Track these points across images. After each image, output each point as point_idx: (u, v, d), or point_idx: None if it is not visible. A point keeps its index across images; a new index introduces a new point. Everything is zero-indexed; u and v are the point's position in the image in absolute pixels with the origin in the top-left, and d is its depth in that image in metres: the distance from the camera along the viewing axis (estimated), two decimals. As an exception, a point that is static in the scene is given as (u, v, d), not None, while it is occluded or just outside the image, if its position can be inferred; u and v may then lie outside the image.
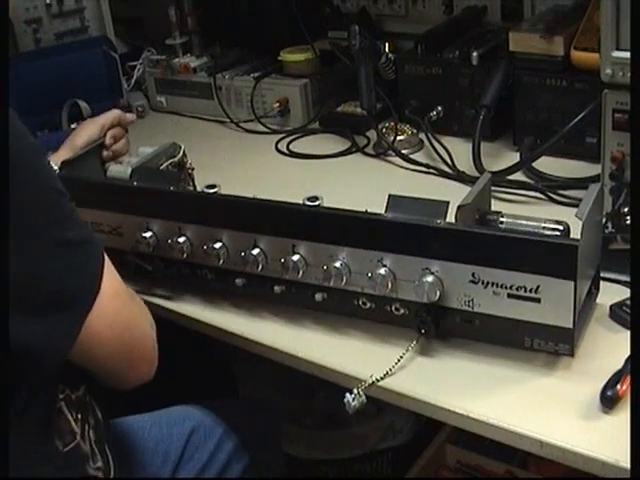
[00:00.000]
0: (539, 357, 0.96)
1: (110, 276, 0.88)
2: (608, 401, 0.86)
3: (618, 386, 0.86)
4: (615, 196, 1.14)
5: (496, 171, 1.38)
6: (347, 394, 0.95)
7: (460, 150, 1.50)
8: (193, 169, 1.27)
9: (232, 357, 1.87)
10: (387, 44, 1.62)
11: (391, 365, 0.97)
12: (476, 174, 1.36)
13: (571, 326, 0.92)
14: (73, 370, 0.91)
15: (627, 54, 1.06)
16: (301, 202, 1.04)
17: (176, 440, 1.20)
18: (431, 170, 1.49)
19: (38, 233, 0.80)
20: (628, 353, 0.87)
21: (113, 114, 1.36)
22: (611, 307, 1.02)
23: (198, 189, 1.18)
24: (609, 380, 0.88)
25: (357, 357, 1.01)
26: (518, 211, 1.03)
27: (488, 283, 0.94)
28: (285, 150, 1.67)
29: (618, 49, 1.09)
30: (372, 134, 1.63)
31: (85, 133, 1.32)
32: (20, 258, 0.77)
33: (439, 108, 1.58)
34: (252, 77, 1.79)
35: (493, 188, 1.15)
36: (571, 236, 0.95)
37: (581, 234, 0.89)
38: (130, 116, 1.42)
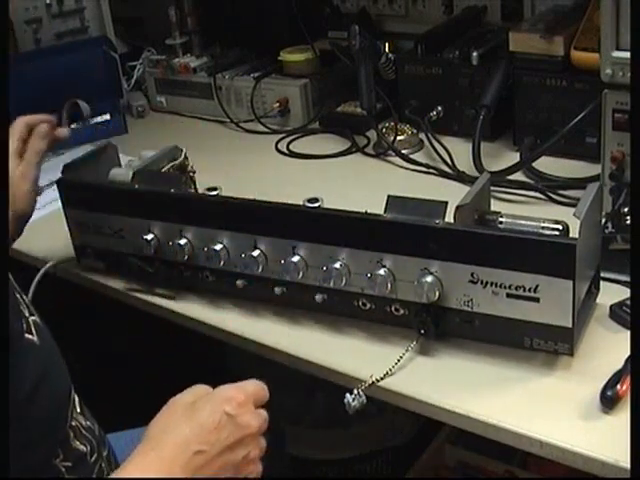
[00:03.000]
0: (539, 357, 0.97)
1: None
2: (608, 401, 0.86)
3: (618, 386, 0.86)
4: (615, 196, 1.14)
5: (496, 171, 1.38)
6: (347, 394, 0.95)
7: (460, 150, 1.50)
8: (195, 172, 1.27)
9: (231, 357, 1.87)
10: (387, 44, 1.62)
11: (391, 365, 0.97)
12: (476, 174, 1.36)
13: (570, 325, 0.92)
14: None
15: (627, 54, 1.06)
16: (301, 203, 1.04)
17: None
18: (431, 170, 1.49)
19: None
20: (628, 353, 0.87)
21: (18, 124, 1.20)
22: (611, 307, 1.02)
23: (199, 191, 1.18)
24: (609, 380, 0.88)
25: (357, 357, 1.01)
26: (518, 211, 1.03)
27: (487, 283, 0.94)
28: (285, 150, 1.67)
29: (618, 49, 1.09)
30: (372, 134, 1.63)
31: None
32: None
33: (439, 108, 1.58)
34: (252, 77, 1.79)
35: (493, 188, 1.15)
36: (570, 236, 0.95)
37: (579, 233, 0.89)
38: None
